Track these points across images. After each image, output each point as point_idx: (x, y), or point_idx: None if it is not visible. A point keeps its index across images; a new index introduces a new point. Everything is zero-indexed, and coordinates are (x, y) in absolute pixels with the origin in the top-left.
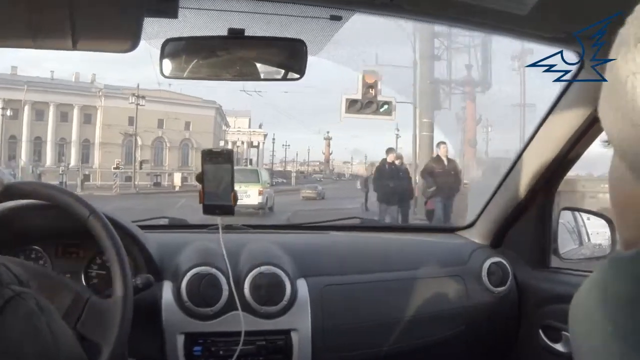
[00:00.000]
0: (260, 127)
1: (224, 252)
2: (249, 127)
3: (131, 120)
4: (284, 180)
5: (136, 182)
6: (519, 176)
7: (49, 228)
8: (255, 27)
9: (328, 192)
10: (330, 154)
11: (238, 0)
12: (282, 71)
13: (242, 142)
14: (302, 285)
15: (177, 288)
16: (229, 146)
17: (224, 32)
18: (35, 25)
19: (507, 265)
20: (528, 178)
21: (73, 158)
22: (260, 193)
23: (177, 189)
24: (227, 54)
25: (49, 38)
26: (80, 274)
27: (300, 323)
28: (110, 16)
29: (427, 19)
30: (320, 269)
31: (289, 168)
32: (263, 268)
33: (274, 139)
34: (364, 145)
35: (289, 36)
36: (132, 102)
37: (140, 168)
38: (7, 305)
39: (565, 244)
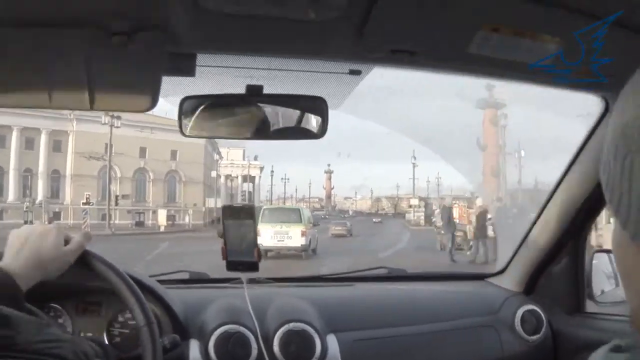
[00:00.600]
0: (255, 159)
1: (250, 309)
2: (244, 159)
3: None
4: None
5: (115, 221)
6: (550, 219)
7: (68, 285)
8: (273, 84)
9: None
10: (332, 188)
11: (255, 57)
12: (303, 129)
13: (237, 176)
14: (332, 341)
15: (204, 347)
16: (222, 179)
17: (242, 89)
18: (53, 86)
19: (540, 312)
20: (559, 221)
21: (40, 192)
22: (303, 234)
23: (162, 229)
24: (246, 112)
25: (66, 98)
26: (102, 332)
27: None
28: (129, 76)
29: (448, 71)
30: (349, 323)
31: (289, 204)
32: (292, 325)
33: (272, 171)
34: (367, 178)
35: (307, 90)
36: (105, 123)
37: (117, 204)
38: None
39: (602, 288)
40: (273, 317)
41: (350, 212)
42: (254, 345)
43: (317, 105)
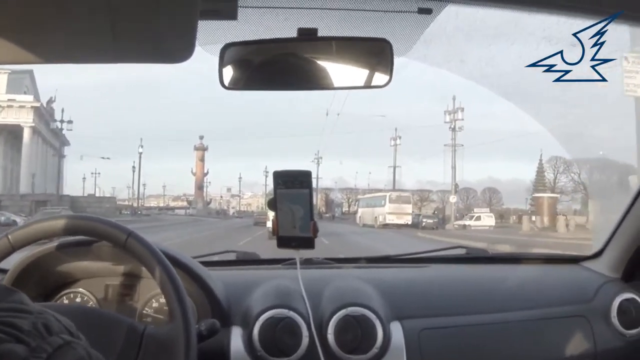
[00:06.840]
0: (52, 101)
1: (303, 291)
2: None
3: None
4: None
5: None
6: None
7: (96, 269)
8: (328, 26)
9: None
10: (206, 174)
11: None
12: (364, 77)
13: None
14: (396, 329)
15: (248, 335)
16: None
17: (293, 34)
18: (70, 36)
19: None
20: None
21: None
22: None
23: None
24: (298, 59)
25: (86, 49)
26: (133, 318)
27: None
28: (158, 22)
29: (537, 9)
30: (418, 309)
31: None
32: (350, 309)
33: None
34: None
35: (369, 34)
36: None
37: None
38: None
39: None
40: (329, 301)
41: (232, 212)
42: (305, 333)
43: (381, 50)
